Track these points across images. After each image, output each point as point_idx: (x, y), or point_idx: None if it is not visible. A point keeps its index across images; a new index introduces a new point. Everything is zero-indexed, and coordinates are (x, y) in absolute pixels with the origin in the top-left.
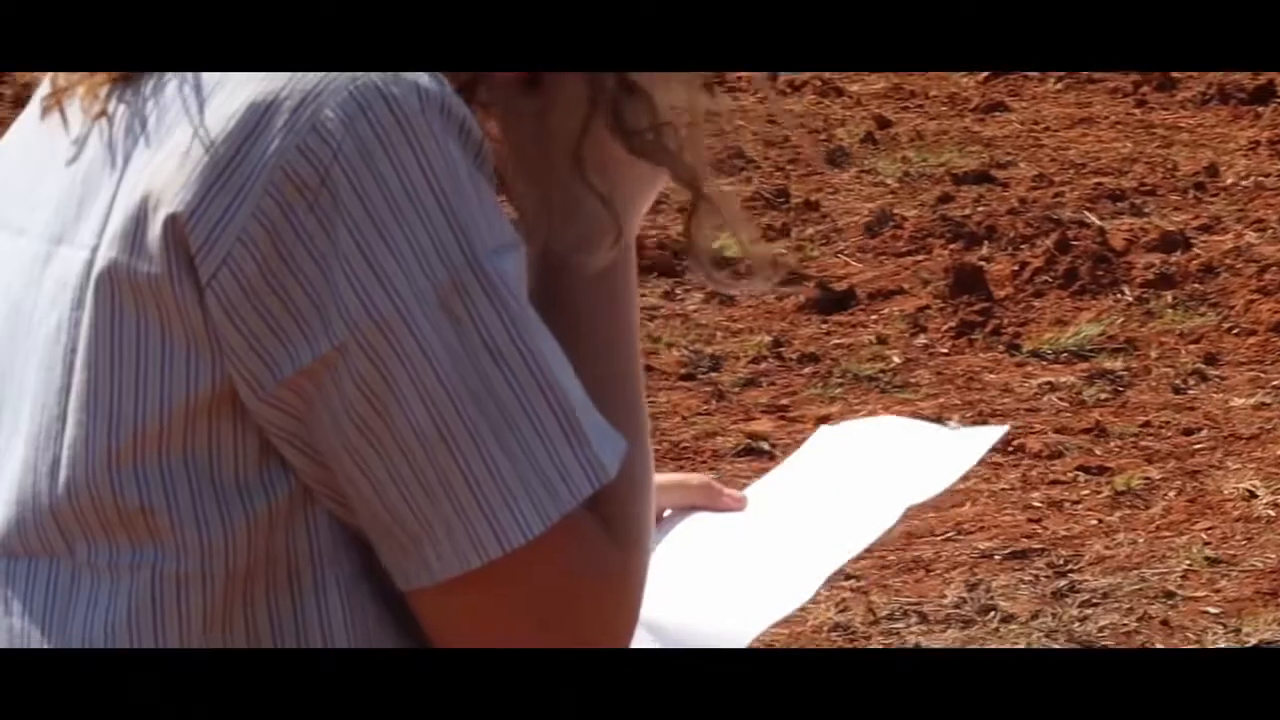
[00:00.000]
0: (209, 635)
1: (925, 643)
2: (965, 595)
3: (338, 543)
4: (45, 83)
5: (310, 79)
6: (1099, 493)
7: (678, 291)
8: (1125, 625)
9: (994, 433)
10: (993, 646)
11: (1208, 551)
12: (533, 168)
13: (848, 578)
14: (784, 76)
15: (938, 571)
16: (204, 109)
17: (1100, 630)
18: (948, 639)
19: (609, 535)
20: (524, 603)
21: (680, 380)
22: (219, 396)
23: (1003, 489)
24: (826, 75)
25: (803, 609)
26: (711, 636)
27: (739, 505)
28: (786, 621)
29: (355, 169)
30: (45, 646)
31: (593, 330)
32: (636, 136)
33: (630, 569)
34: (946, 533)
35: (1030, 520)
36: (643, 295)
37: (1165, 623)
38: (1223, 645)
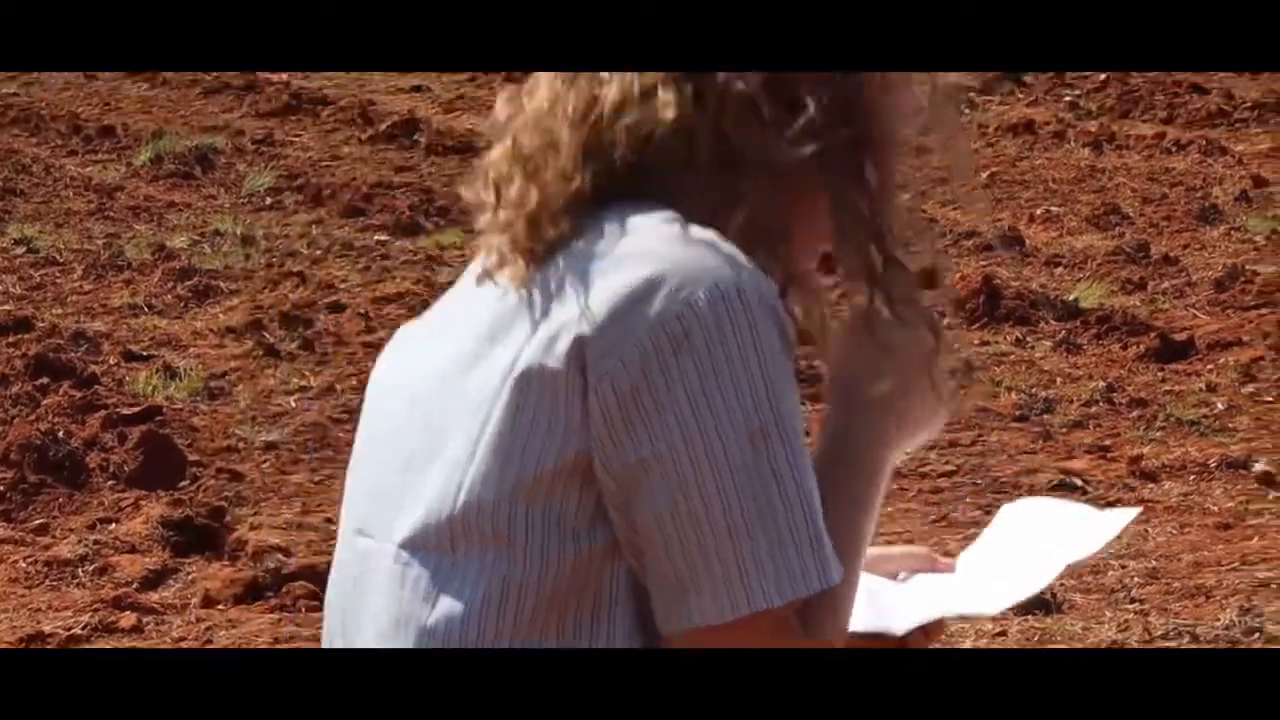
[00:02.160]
0: (530, 630)
1: None
2: (1236, 619)
3: (628, 591)
4: (478, 261)
5: (688, 269)
6: None
7: (1028, 340)
8: None
9: (1130, 513)
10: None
11: None
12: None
13: (1131, 601)
14: (1170, 135)
15: (1217, 598)
16: (609, 275)
17: None
18: None
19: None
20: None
21: (1013, 421)
22: (580, 465)
23: None
24: (1212, 134)
25: (1086, 629)
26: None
27: (950, 569)
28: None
29: (709, 335)
30: (425, 614)
31: (845, 488)
32: (893, 304)
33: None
34: (1232, 563)
35: None
36: (994, 342)
37: None
38: None
